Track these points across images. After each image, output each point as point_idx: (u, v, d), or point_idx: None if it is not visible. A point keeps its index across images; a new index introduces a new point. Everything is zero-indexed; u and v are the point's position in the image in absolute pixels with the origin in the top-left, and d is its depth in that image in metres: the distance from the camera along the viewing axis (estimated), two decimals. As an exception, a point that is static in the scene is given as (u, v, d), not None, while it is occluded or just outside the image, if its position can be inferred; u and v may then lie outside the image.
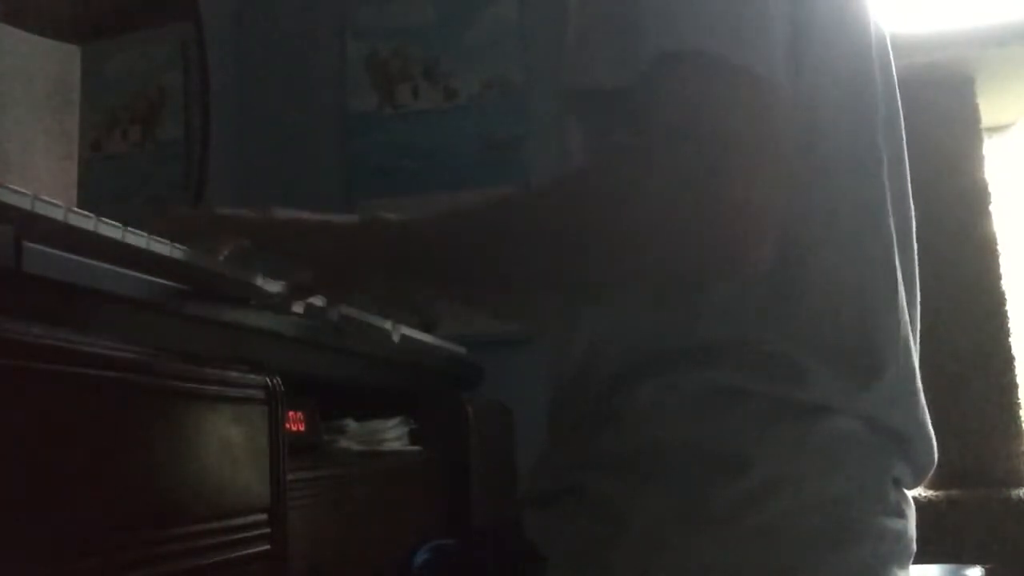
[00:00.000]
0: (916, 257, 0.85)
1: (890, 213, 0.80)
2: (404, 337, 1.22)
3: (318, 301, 0.93)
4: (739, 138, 0.65)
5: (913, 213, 0.85)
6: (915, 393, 0.80)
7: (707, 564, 0.70)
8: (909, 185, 0.85)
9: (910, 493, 0.81)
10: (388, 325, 1.09)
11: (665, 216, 0.66)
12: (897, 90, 0.85)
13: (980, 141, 2.09)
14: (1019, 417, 1.98)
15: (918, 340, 0.83)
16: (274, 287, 0.87)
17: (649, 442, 0.75)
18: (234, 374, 0.78)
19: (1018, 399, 1.99)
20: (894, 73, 0.85)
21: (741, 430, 0.72)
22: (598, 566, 0.74)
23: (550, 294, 0.84)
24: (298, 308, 0.91)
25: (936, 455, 0.81)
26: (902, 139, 0.85)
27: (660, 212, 0.66)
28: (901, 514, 0.77)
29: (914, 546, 0.78)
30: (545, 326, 0.91)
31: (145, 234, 0.71)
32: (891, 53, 0.85)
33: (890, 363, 0.77)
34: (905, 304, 0.81)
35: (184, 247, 0.76)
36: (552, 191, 0.75)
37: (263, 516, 0.79)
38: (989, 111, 2.13)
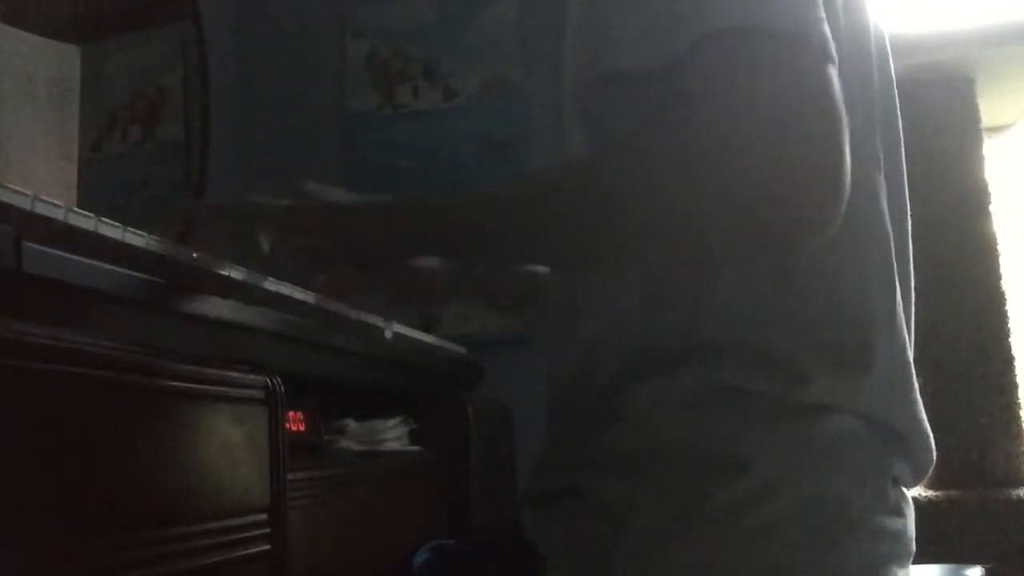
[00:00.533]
0: (911, 257, 0.85)
1: (886, 213, 0.80)
2: (404, 337, 1.22)
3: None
4: (805, 102, 0.64)
5: (909, 213, 0.85)
6: (912, 391, 0.80)
7: (707, 564, 0.70)
8: (906, 185, 0.85)
9: (909, 492, 0.81)
10: (380, 322, 1.09)
11: (737, 187, 0.64)
12: (895, 90, 0.85)
13: (980, 141, 2.09)
14: (1019, 417, 1.99)
15: (912, 338, 0.83)
16: (272, 286, 0.87)
17: (649, 442, 0.75)
18: (234, 374, 0.78)
19: (1018, 399, 1.99)
20: (893, 73, 0.85)
21: (741, 430, 0.72)
22: (598, 566, 0.74)
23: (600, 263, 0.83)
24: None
25: (935, 454, 0.81)
26: (900, 139, 0.85)
27: (740, 180, 0.64)
28: (900, 513, 0.77)
29: (913, 545, 0.79)
30: (545, 326, 0.91)
31: (145, 234, 0.71)
32: (890, 53, 0.86)
33: (888, 362, 0.77)
34: (903, 306, 0.81)
35: (184, 247, 0.76)
36: (597, 167, 0.73)
37: (263, 516, 0.79)
38: (989, 111, 2.13)
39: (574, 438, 0.81)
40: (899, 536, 0.76)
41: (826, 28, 0.67)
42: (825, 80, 0.65)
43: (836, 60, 0.66)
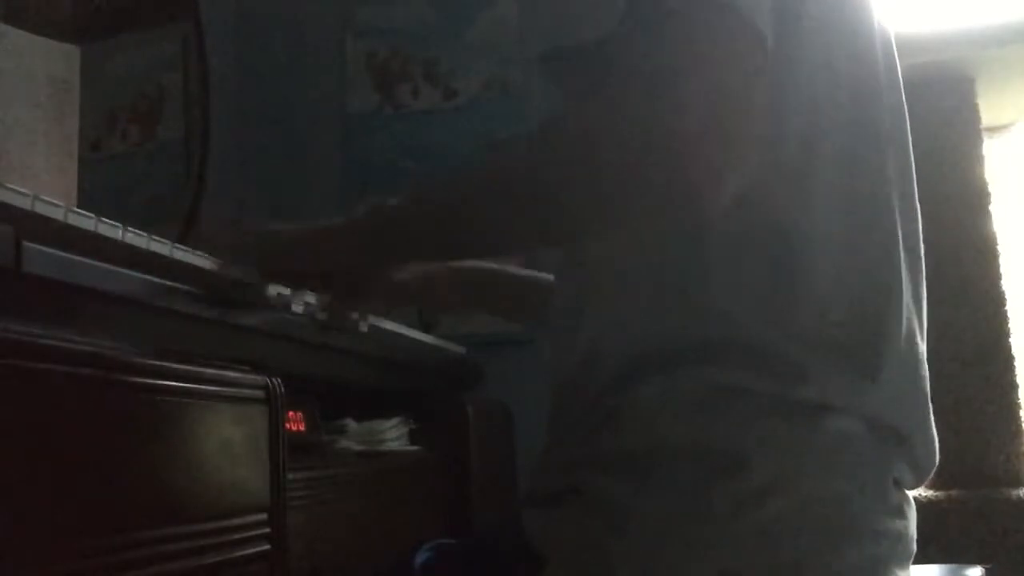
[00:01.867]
0: (923, 257, 0.85)
1: (896, 211, 0.80)
2: (404, 337, 1.22)
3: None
4: (695, 70, 0.66)
5: (919, 213, 0.85)
6: (918, 393, 0.80)
7: (707, 564, 0.70)
8: (915, 186, 0.85)
9: (910, 493, 0.81)
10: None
11: (627, 152, 0.67)
12: (903, 90, 0.85)
13: (980, 141, 2.09)
14: (1019, 417, 1.98)
15: (925, 341, 0.83)
16: (275, 290, 0.87)
17: (650, 442, 0.75)
18: (234, 374, 0.78)
19: (1018, 399, 1.99)
20: (899, 73, 0.85)
21: (742, 429, 0.72)
22: (598, 566, 0.74)
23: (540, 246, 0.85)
24: (298, 307, 0.91)
25: (937, 457, 0.81)
26: (908, 139, 0.84)
27: (622, 149, 0.67)
28: (902, 514, 0.77)
29: (914, 546, 0.78)
30: (548, 326, 0.91)
31: (145, 234, 0.71)
32: (896, 54, 0.85)
33: (892, 363, 0.77)
34: (912, 304, 0.80)
35: (184, 247, 0.76)
36: (529, 142, 0.77)
37: (263, 516, 0.79)
38: (989, 111, 2.13)
39: (575, 438, 0.81)
40: (900, 537, 0.76)
41: (763, 22, 0.67)
42: (751, 56, 0.67)
43: (766, 36, 0.67)
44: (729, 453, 0.72)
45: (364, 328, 1.02)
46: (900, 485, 0.79)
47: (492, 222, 0.76)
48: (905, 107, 0.85)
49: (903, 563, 0.76)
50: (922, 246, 0.85)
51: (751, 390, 0.73)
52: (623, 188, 0.68)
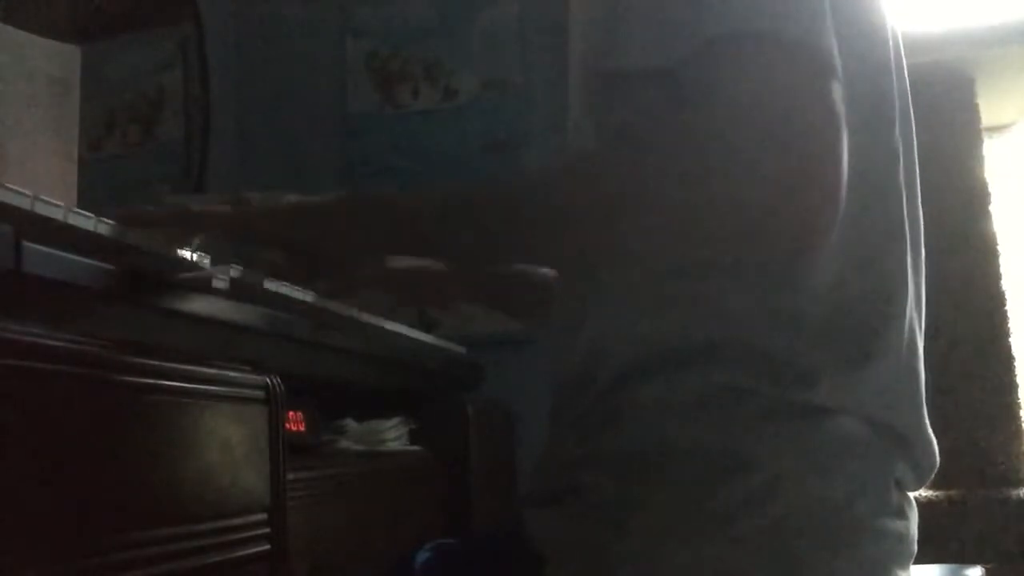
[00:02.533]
0: (924, 259, 0.85)
1: (905, 212, 0.80)
2: (404, 337, 1.22)
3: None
4: (804, 113, 0.65)
5: (921, 214, 0.85)
6: (917, 395, 0.80)
7: (707, 564, 0.70)
8: (919, 186, 0.85)
9: (911, 494, 0.81)
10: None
11: (737, 191, 0.65)
12: (908, 89, 0.85)
13: (980, 141, 2.09)
14: (1019, 417, 1.99)
15: (922, 343, 0.83)
16: (272, 286, 0.87)
17: (651, 442, 0.75)
18: (234, 374, 0.78)
19: (1018, 399, 1.99)
20: (905, 71, 0.85)
21: (743, 430, 0.72)
22: (598, 566, 0.73)
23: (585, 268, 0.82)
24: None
25: (937, 458, 0.81)
26: (913, 139, 0.84)
27: (732, 187, 0.65)
28: (902, 515, 0.77)
29: (915, 547, 0.78)
30: (547, 325, 0.91)
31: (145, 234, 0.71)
32: (903, 55, 0.85)
33: (894, 366, 0.77)
34: (914, 305, 0.80)
35: (183, 248, 0.76)
36: (594, 167, 0.73)
37: (263, 516, 0.79)
38: (989, 111, 2.13)
39: (576, 437, 0.81)
40: (901, 538, 0.76)
41: (832, 39, 0.67)
42: (826, 92, 0.65)
43: (840, 72, 0.67)
44: (730, 454, 0.72)
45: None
46: (901, 486, 0.79)
47: (532, 237, 0.74)
48: (911, 110, 0.85)
49: (904, 564, 0.76)
50: (923, 247, 0.84)
51: (752, 391, 0.73)
52: (733, 222, 0.66)
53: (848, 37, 0.72)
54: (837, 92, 0.66)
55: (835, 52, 0.67)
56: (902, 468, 0.78)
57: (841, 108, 0.65)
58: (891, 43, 0.82)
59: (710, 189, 0.66)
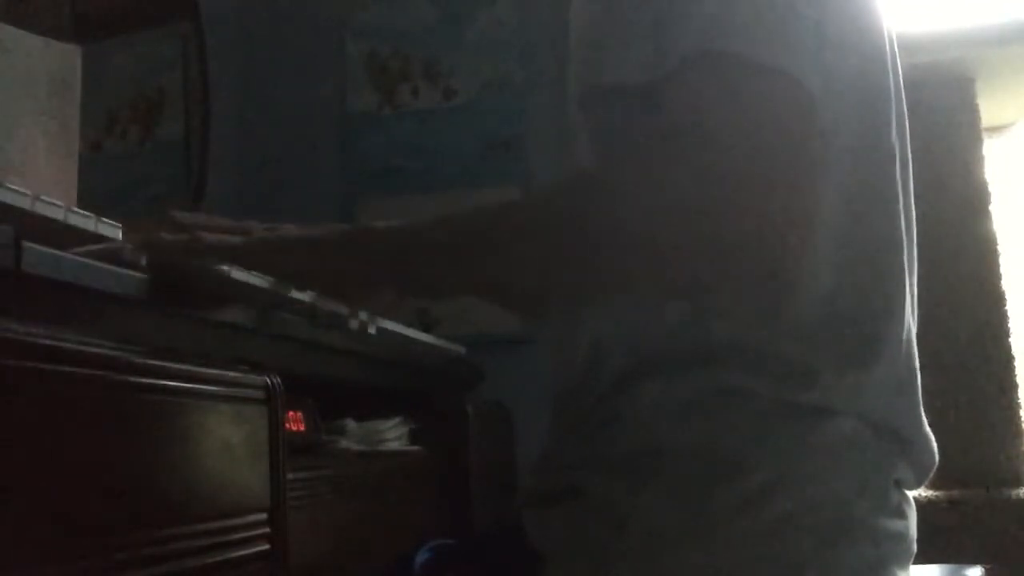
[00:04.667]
0: (916, 260, 0.85)
1: (900, 215, 0.80)
2: (404, 337, 1.22)
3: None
4: (781, 141, 0.64)
5: (915, 215, 0.85)
6: (915, 394, 0.80)
7: (707, 565, 0.70)
8: (912, 187, 0.85)
9: (910, 493, 0.81)
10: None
11: (697, 218, 0.64)
12: (903, 90, 0.85)
13: (980, 141, 2.10)
14: (1019, 417, 1.99)
15: (915, 342, 0.83)
16: (273, 286, 0.87)
17: (650, 443, 0.75)
18: (234, 374, 0.78)
19: (1018, 399, 1.99)
20: (901, 73, 0.85)
21: (742, 431, 0.72)
22: (598, 566, 0.74)
23: (554, 296, 0.82)
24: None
25: (937, 457, 0.81)
26: (907, 141, 0.84)
27: (691, 213, 0.64)
28: (902, 515, 0.77)
29: (915, 547, 0.78)
30: (547, 327, 0.91)
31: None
32: (898, 53, 0.85)
33: (892, 365, 0.77)
34: (909, 307, 0.81)
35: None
36: (565, 189, 0.74)
37: (263, 516, 0.79)
38: (989, 111, 2.13)
39: (576, 438, 0.81)
40: (901, 538, 0.76)
41: (811, 61, 0.67)
42: (804, 120, 0.65)
43: (817, 97, 0.66)
44: (730, 455, 0.72)
45: (372, 331, 1.02)
46: (900, 486, 0.79)
47: (515, 265, 0.73)
48: (905, 109, 0.85)
49: (903, 563, 0.77)
50: (916, 248, 0.85)
51: (752, 392, 0.73)
52: (691, 250, 0.66)
53: (844, 42, 0.73)
54: (813, 120, 0.66)
55: (813, 74, 0.66)
56: (902, 468, 0.78)
57: (817, 134, 0.65)
58: (887, 45, 0.82)
59: (683, 219, 0.65)
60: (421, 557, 0.91)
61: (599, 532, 0.74)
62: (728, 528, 0.70)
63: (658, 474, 0.74)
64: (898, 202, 0.79)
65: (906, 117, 0.85)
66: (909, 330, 0.80)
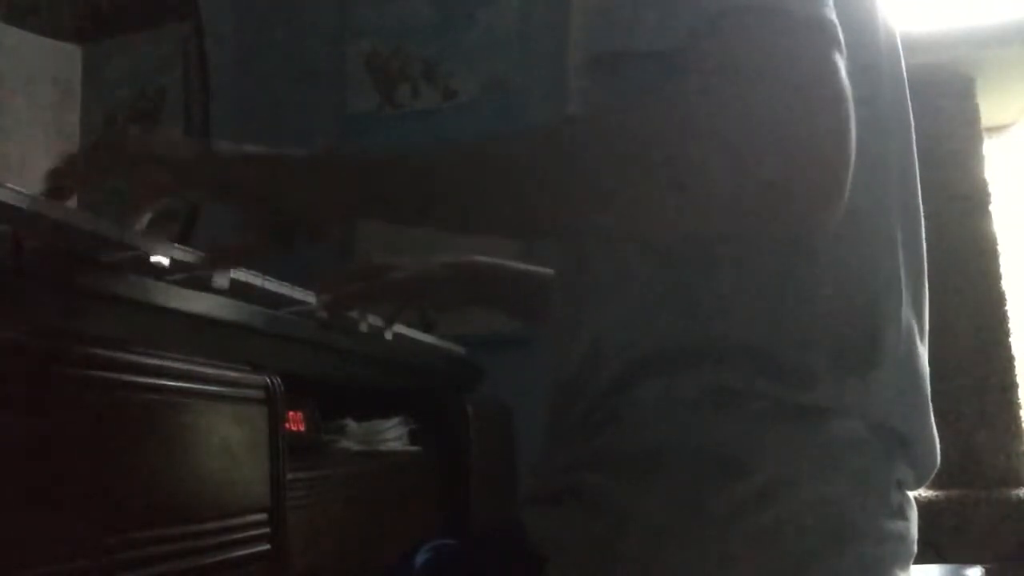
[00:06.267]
0: (925, 259, 0.84)
1: (893, 212, 0.79)
2: (404, 337, 1.22)
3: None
4: (815, 85, 0.64)
5: (921, 214, 0.85)
6: (919, 395, 0.80)
7: (707, 566, 0.70)
8: (919, 185, 0.85)
9: (911, 494, 0.81)
10: (380, 322, 1.09)
11: (751, 161, 0.63)
12: (907, 88, 0.85)
13: (980, 141, 2.10)
14: (1019, 417, 1.99)
15: (926, 343, 0.82)
16: (272, 286, 0.87)
17: (650, 442, 0.75)
18: (234, 374, 0.78)
19: (1018, 399, 1.99)
20: (904, 71, 0.85)
21: (742, 431, 0.72)
22: (598, 566, 0.73)
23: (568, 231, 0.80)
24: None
25: (938, 458, 0.81)
26: (911, 138, 0.84)
27: (744, 157, 0.63)
28: (903, 516, 0.77)
29: (915, 547, 0.78)
30: (548, 325, 0.91)
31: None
32: (901, 52, 0.85)
33: (893, 365, 0.76)
34: (911, 306, 0.80)
35: (183, 248, 0.76)
36: (592, 124, 0.71)
37: (263, 516, 0.79)
38: (989, 111, 2.13)
39: (575, 438, 0.81)
40: (901, 538, 0.76)
41: (835, 15, 0.67)
42: (834, 65, 0.65)
43: (844, 49, 0.66)
44: (730, 455, 0.72)
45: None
46: (901, 486, 0.79)
47: (522, 195, 0.71)
48: (909, 107, 0.85)
49: (904, 564, 0.76)
50: (924, 248, 0.84)
51: (752, 392, 0.73)
52: (734, 189, 0.64)
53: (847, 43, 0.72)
54: (843, 67, 0.66)
55: (838, 27, 0.67)
56: (902, 468, 0.78)
57: (847, 83, 0.65)
58: (884, 45, 0.81)
59: (713, 156, 0.64)
60: (421, 557, 0.90)
61: (599, 532, 0.74)
62: (728, 529, 0.70)
63: (658, 474, 0.73)
64: (890, 201, 0.79)
65: (911, 117, 0.84)
66: (911, 330, 0.80)
